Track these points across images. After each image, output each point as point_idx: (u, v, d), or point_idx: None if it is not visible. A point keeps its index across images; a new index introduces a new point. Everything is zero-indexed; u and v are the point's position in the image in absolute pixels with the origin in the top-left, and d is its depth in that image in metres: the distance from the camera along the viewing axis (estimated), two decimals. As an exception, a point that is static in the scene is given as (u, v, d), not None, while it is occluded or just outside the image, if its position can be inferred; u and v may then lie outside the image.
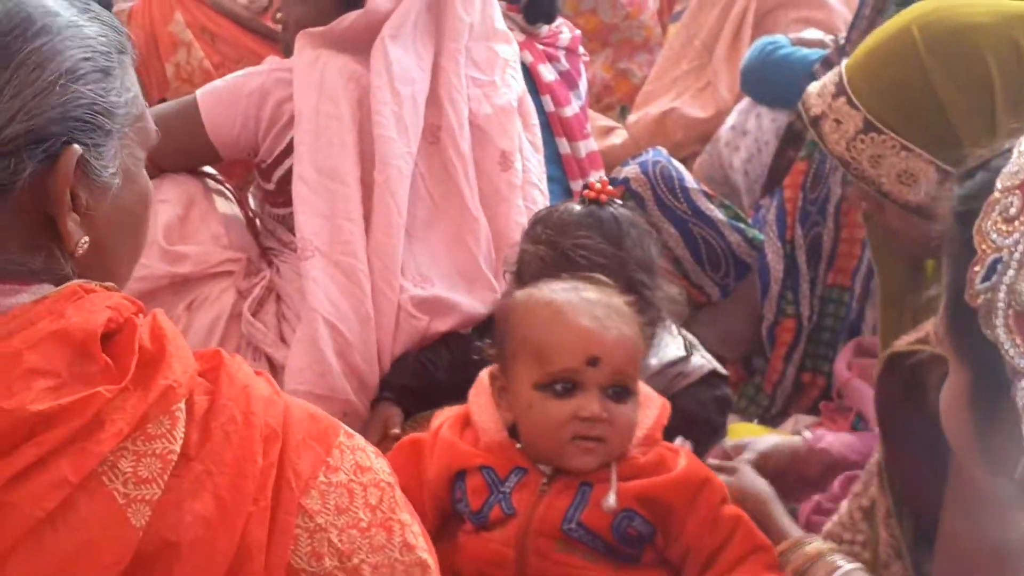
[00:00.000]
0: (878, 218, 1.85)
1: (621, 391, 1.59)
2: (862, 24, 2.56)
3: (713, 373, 2.01)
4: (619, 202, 2.01)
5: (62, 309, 0.92)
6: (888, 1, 2.49)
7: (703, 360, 2.00)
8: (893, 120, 1.71)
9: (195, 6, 2.88)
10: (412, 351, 2.15)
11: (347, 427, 1.07)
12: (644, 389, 1.67)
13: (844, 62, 1.84)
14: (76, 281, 0.96)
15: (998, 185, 1.16)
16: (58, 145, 0.95)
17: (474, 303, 2.19)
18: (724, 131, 3.16)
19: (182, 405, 0.94)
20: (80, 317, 0.92)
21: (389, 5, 2.20)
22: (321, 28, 2.18)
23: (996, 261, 1.14)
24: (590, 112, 3.72)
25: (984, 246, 1.15)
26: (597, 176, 2.84)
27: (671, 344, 2.01)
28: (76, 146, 0.96)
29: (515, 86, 2.38)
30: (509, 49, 2.40)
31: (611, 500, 1.54)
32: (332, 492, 0.99)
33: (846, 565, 1.52)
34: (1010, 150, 1.17)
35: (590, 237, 1.91)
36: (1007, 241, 1.13)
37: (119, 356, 0.93)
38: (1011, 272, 1.13)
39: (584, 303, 1.60)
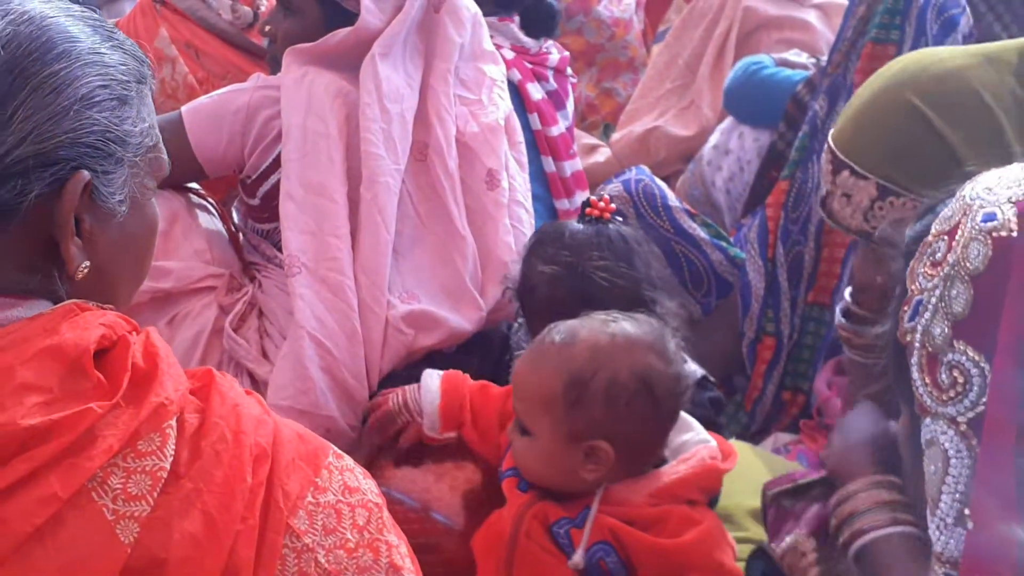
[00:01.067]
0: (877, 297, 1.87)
1: (522, 427, 1.63)
2: (844, 46, 2.59)
3: (704, 378, 2.02)
4: (620, 219, 2.02)
5: (56, 326, 0.92)
6: (869, 24, 2.52)
7: (694, 366, 2.00)
8: (908, 179, 1.71)
9: (180, 22, 2.88)
10: (399, 369, 2.14)
11: (336, 448, 1.07)
12: (693, 445, 1.65)
13: (830, 138, 1.84)
14: (72, 300, 0.97)
15: (933, 229, 1.20)
16: (67, 170, 0.95)
17: (460, 320, 2.19)
18: (706, 150, 3.18)
19: (173, 423, 0.94)
20: (73, 334, 0.92)
21: (379, 23, 2.20)
22: (309, 44, 2.18)
23: (919, 303, 1.17)
24: (575, 131, 3.75)
25: (913, 287, 1.19)
26: (583, 196, 2.86)
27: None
28: (85, 172, 0.96)
29: (502, 105, 2.38)
30: (496, 69, 2.41)
31: (577, 558, 1.55)
32: (320, 512, 1.00)
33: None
34: (953, 193, 1.21)
35: (606, 258, 1.92)
36: (929, 284, 1.17)
37: (111, 373, 0.93)
38: (927, 315, 1.16)
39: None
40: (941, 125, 1.69)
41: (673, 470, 1.61)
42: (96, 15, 1.01)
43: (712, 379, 2.07)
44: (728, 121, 3.22)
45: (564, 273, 1.93)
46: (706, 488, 1.61)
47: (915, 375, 1.17)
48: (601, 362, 1.58)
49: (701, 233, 2.64)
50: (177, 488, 0.92)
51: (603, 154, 3.76)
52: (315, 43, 2.17)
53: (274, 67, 2.30)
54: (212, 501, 0.93)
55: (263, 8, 2.86)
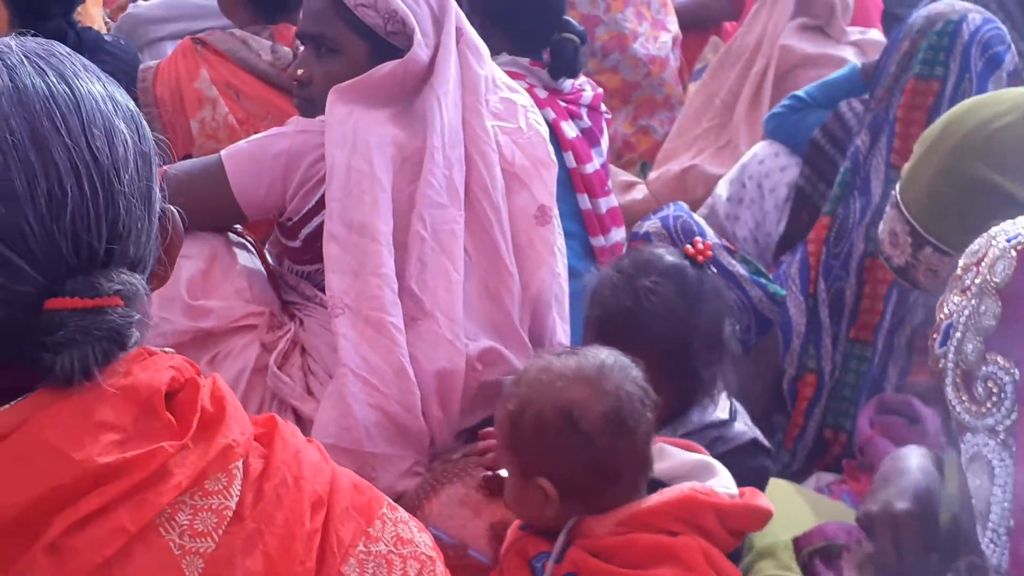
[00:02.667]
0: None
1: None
2: (887, 81, 2.58)
3: (754, 442, 1.96)
4: (714, 270, 1.99)
5: (129, 368, 0.95)
6: (913, 59, 2.51)
7: (745, 427, 1.96)
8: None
9: (220, 63, 2.91)
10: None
11: (390, 500, 1.09)
12: (674, 474, 1.64)
13: (904, 208, 1.84)
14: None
15: (960, 263, 1.20)
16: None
17: (515, 359, 2.18)
18: (720, 205, 3.17)
19: (240, 464, 0.97)
20: (146, 375, 0.95)
21: (426, 57, 2.19)
22: (354, 80, 2.15)
23: (948, 326, 1.17)
24: (612, 168, 3.75)
25: (942, 315, 1.19)
26: (618, 232, 2.86)
27: (717, 406, 1.98)
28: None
29: (543, 131, 2.35)
30: (522, 97, 2.39)
31: None
32: (370, 561, 1.01)
33: None
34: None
35: (664, 288, 1.90)
36: (957, 307, 1.17)
37: (181, 414, 0.96)
38: (958, 334, 1.16)
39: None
40: (1007, 183, 1.69)
41: (647, 500, 1.58)
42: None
43: (766, 444, 2.00)
44: (735, 171, 3.21)
45: (621, 283, 1.93)
46: (688, 519, 1.56)
47: (951, 397, 1.16)
48: (530, 398, 1.60)
49: (740, 270, 2.63)
50: (241, 528, 0.94)
51: (640, 191, 3.76)
52: (360, 77, 2.15)
53: (305, 110, 2.28)
54: (273, 543, 0.95)
55: (302, 49, 2.88)
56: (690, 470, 1.65)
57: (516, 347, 2.21)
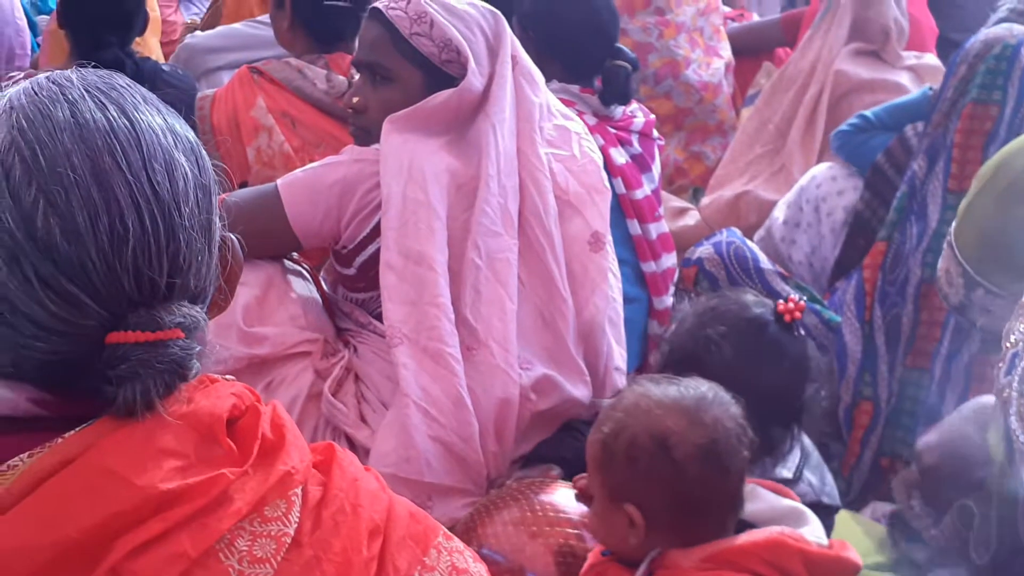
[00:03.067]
0: None
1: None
2: (944, 106, 2.56)
3: (816, 504, 1.89)
4: (803, 333, 1.92)
5: (191, 395, 0.96)
6: (971, 84, 2.49)
7: (808, 488, 1.93)
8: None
9: (277, 91, 2.94)
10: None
11: (446, 530, 1.09)
12: (764, 517, 1.61)
13: (956, 249, 1.83)
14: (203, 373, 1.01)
15: None
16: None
17: (570, 387, 2.19)
18: (776, 228, 3.15)
19: (299, 491, 0.98)
20: (208, 402, 0.97)
21: (480, 85, 2.20)
22: (409, 109, 2.16)
23: (1014, 355, 1.15)
24: (664, 194, 3.74)
25: (1007, 343, 1.17)
26: (669, 258, 2.85)
27: (785, 462, 1.94)
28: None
29: (597, 158, 2.35)
30: (576, 124, 2.40)
31: None
32: None
33: None
34: None
35: (728, 339, 1.86)
36: (1022, 336, 1.14)
37: (242, 441, 0.97)
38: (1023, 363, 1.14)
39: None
40: None
41: (735, 538, 1.55)
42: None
43: (831, 504, 1.96)
44: (793, 194, 3.19)
45: (692, 326, 1.92)
46: (775, 563, 1.52)
47: (1014, 427, 1.14)
48: (626, 423, 1.58)
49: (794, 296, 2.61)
50: (299, 555, 0.95)
51: (693, 217, 3.74)
52: (415, 107, 2.17)
53: (361, 138, 2.29)
54: (331, 570, 0.95)
55: (358, 77, 2.91)
56: (781, 515, 1.62)
57: (571, 374, 2.21)
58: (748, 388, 1.73)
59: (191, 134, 1.02)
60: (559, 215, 2.24)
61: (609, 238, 2.31)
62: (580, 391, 2.22)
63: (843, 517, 2.14)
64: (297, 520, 0.96)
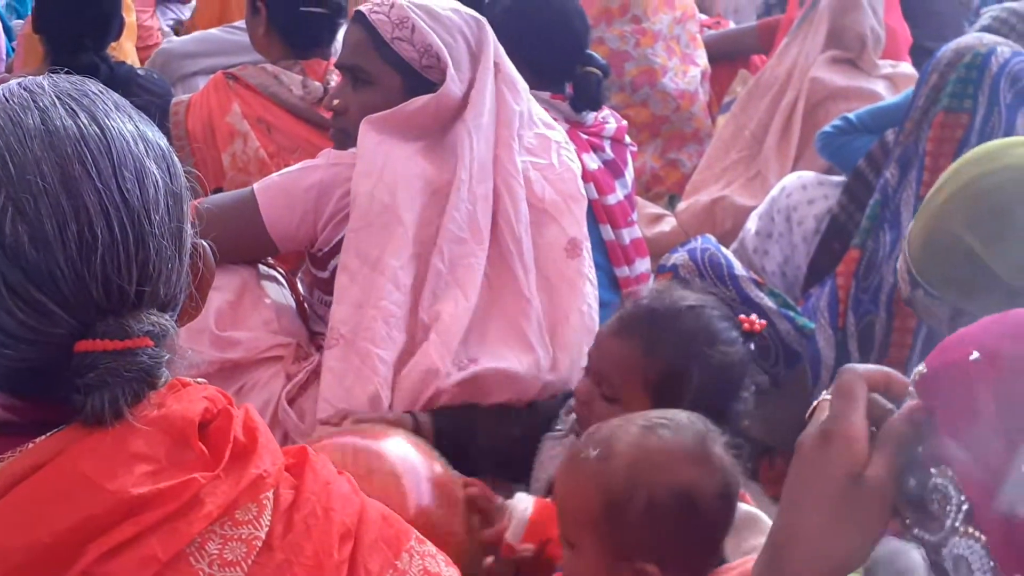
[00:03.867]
0: None
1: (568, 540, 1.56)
2: (916, 115, 2.58)
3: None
4: (752, 347, 1.91)
5: (162, 399, 0.96)
6: (942, 93, 2.51)
7: None
8: (975, 307, 1.69)
9: (252, 97, 2.93)
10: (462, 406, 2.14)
11: (419, 534, 1.09)
12: None
13: (907, 246, 1.85)
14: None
15: None
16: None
17: (520, 366, 2.15)
18: (748, 239, 3.16)
19: (270, 495, 0.97)
20: (180, 407, 0.96)
21: (460, 92, 2.21)
22: (387, 112, 2.17)
23: None
24: (639, 200, 3.75)
25: None
26: (643, 263, 2.85)
27: None
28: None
29: (574, 167, 2.36)
30: (557, 133, 2.41)
31: None
32: None
33: None
34: None
35: (699, 313, 1.86)
36: None
37: (214, 444, 0.97)
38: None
39: None
40: (984, 252, 1.70)
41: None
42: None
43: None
44: (764, 205, 3.20)
45: (664, 288, 1.95)
46: None
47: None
48: (639, 481, 1.47)
49: (768, 302, 2.62)
50: (270, 558, 0.94)
51: (669, 223, 3.75)
52: (393, 110, 2.17)
53: (340, 140, 2.30)
54: (302, 573, 0.95)
55: (332, 83, 2.91)
56: (737, 526, 1.56)
57: (530, 361, 2.17)
58: (694, 355, 1.80)
59: (163, 141, 1.02)
60: (536, 223, 2.25)
61: (587, 244, 2.31)
62: (528, 372, 2.16)
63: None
64: (268, 523, 0.96)
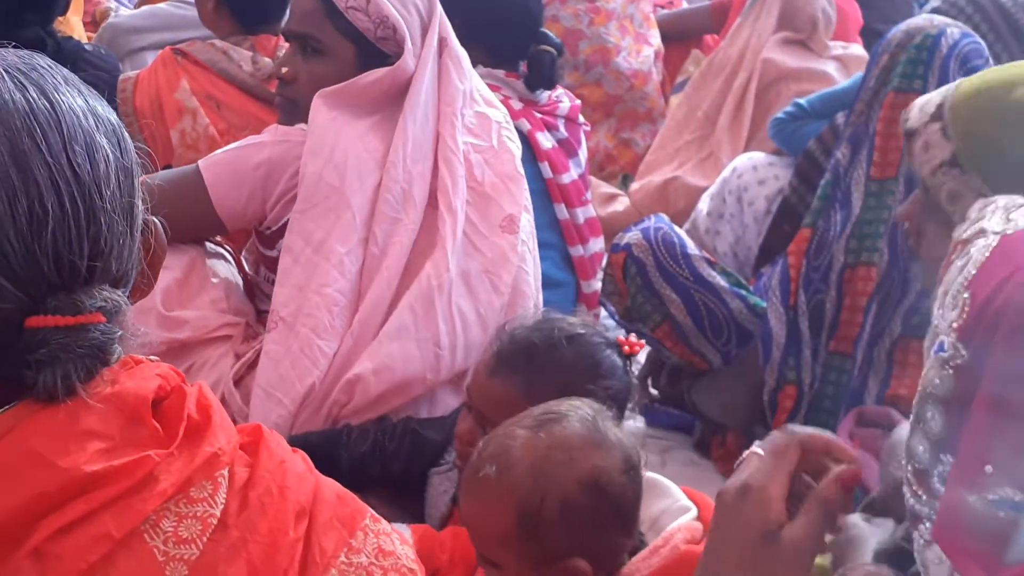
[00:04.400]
0: (913, 239, 1.82)
1: (488, 560, 1.53)
2: (866, 95, 2.59)
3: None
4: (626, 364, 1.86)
5: (115, 377, 0.95)
6: (892, 73, 2.52)
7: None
8: (978, 164, 1.63)
9: (201, 73, 2.89)
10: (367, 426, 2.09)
11: (373, 512, 1.09)
12: (670, 518, 1.56)
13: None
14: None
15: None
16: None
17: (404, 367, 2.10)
18: (700, 220, 3.17)
19: (225, 473, 0.97)
20: (133, 384, 0.95)
21: (414, 65, 2.17)
22: (340, 86, 2.13)
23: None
24: (593, 180, 3.76)
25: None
26: (597, 242, 2.86)
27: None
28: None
29: (514, 148, 2.34)
30: (498, 112, 2.37)
31: None
32: (352, 572, 1.01)
33: None
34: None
35: (574, 343, 1.81)
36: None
37: (168, 422, 0.96)
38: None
39: None
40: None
41: (645, 563, 1.50)
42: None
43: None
44: (716, 185, 3.22)
45: (538, 321, 1.86)
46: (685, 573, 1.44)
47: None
48: (545, 483, 1.44)
49: (721, 281, 2.63)
50: (225, 536, 0.94)
51: (622, 203, 3.77)
52: (346, 83, 2.14)
53: (287, 111, 2.25)
54: (257, 552, 0.95)
55: (287, 47, 2.87)
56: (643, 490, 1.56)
57: (424, 342, 2.12)
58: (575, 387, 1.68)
59: (113, 116, 1.00)
60: (475, 204, 2.22)
61: (524, 220, 2.27)
62: (417, 368, 2.12)
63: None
64: (223, 501, 0.95)
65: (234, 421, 2.01)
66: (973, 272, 1.22)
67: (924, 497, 1.20)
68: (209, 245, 2.29)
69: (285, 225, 2.16)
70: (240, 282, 2.32)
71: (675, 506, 1.59)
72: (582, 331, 1.82)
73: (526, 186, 2.34)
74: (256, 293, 2.33)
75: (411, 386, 2.11)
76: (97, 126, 0.96)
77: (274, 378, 2.03)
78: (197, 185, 2.15)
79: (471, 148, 2.25)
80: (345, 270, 2.08)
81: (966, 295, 1.21)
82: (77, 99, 0.96)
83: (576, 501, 1.44)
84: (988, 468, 1.08)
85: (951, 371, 1.19)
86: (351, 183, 2.09)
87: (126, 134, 1.01)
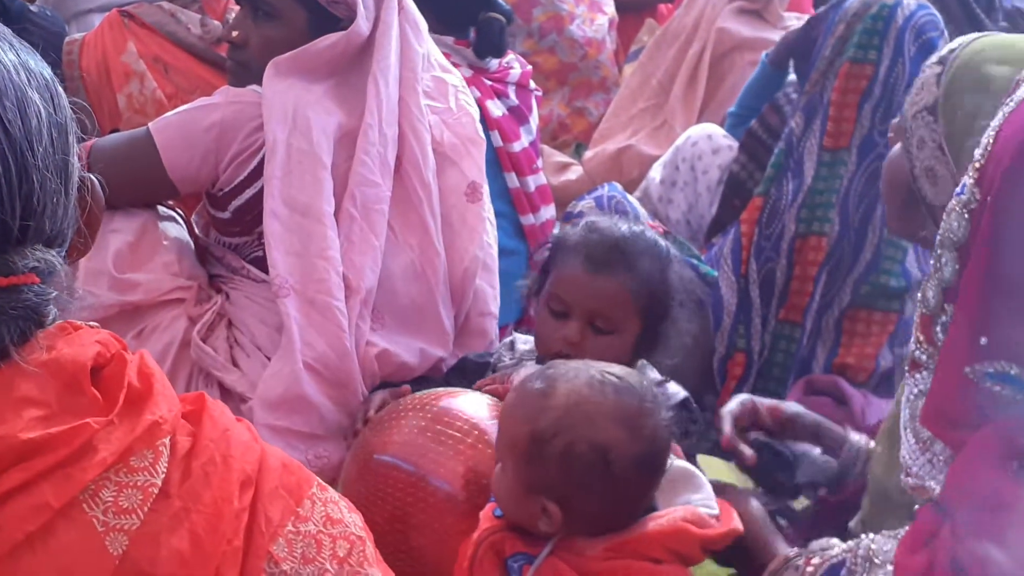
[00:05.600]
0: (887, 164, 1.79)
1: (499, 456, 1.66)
2: (822, 64, 2.60)
3: (685, 402, 1.98)
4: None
5: (53, 343, 0.93)
6: (848, 44, 2.53)
7: (678, 388, 1.99)
8: (948, 117, 1.59)
9: (148, 36, 2.85)
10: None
11: (321, 480, 1.08)
12: (677, 503, 1.62)
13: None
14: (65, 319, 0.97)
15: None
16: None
17: (427, 348, 2.19)
18: (653, 187, 3.17)
19: (167, 441, 0.95)
20: (71, 350, 0.93)
21: (368, 30, 2.16)
22: (293, 53, 2.11)
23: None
24: (547, 148, 3.74)
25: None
26: (548, 210, 2.85)
27: (649, 369, 1.99)
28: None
29: (472, 111, 2.35)
30: (454, 77, 2.37)
31: None
32: (299, 541, 1.00)
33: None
34: None
35: (647, 232, 1.98)
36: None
37: (107, 390, 0.94)
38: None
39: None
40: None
41: (641, 526, 1.56)
42: None
43: (693, 404, 2.01)
44: (669, 154, 3.22)
45: (601, 216, 2.00)
46: (674, 549, 1.55)
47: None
48: (564, 425, 1.53)
49: (673, 251, 2.63)
50: (167, 506, 0.92)
51: (575, 172, 3.76)
52: (301, 49, 2.12)
53: (238, 75, 2.22)
54: (200, 521, 0.93)
55: (238, 10, 2.84)
56: (673, 480, 1.63)
57: (435, 333, 2.21)
58: (667, 271, 1.94)
59: (47, 71, 0.97)
60: (436, 167, 2.23)
61: (485, 188, 2.30)
62: (437, 351, 2.22)
63: (719, 465, 2.18)
64: (165, 471, 0.93)
65: (212, 379, 2.05)
66: (1008, 110, 1.21)
67: (925, 345, 1.20)
68: (161, 208, 2.26)
69: (236, 188, 2.16)
70: (192, 245, 2.29)
71: (698, 499, 1.64)
72: (639, 221, 2.01)
73: (484, 151, 2.35)
74: (207, 257, 2.31)
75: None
76: (29, 81, 0.93)
77: (304, 346, 2.05)
78: (148, 148, 2.12)
79: (428, 110, 2.25)
80: (336, 228, 2.10)
81: (992, 133, 1.20)
82: (8, 54, 0.93)
83: (578, 456, 1.52)
84: (983, 340, 1.07)
85: (967, 216, 1.18)
86: (320, 143, 2.09)
87: (60, 90, 0.98)
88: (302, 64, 2.12)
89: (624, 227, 1.96)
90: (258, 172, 2.12)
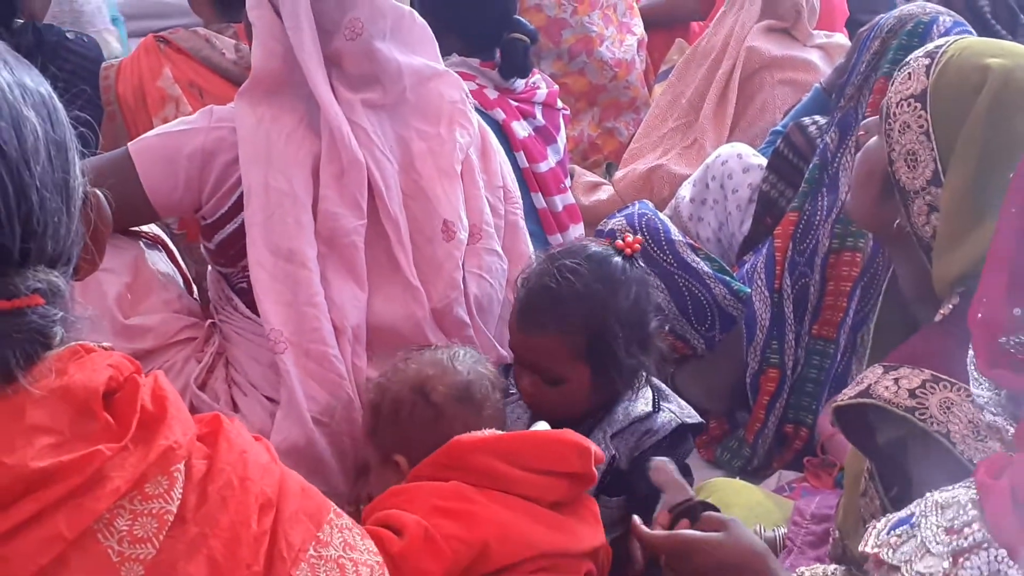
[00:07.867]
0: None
1: None
2: (857, 80, 2.58)
3: (679, 428, 1.97)
4: (642, 265, 2.01)
5: (64, 367, 0.91)
6: (883, 59, 2.52)
7: (671, 415, 1.98)
8: (936, 109, 1.56)
9: (184, 61, 2.88)
10: None
11: (336, 507, 1.07)
12: None
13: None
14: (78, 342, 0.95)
15: None
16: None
17: None
18: (683, 206, 3.17)
19: (181, 466, 0.93)
20: (83, 375, 0.91)
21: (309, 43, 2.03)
22: (249, 79, 2.04)
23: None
24: (577, 169, 3.75)
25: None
26: (576, 230, 2.86)
27: (640, 398, 2.00)
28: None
29: (462, 138, 2.20)
30: (456, 92, 2.23)
31: None
32: (322, 566, 0.99)
33: None
34: None
35: (583, 267, 1.92)
36: None
37: (120, 415, 0.92)
38: None
39: None
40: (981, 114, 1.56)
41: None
42: None
43: (694, 422, 2.01)
44: (699, 172, 3.21)
45: (543, 264, 1.97)
46: (453, 465, 1.69)
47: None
48: (388, 385, 1.84)
49: (704, 267, 2.64)
50: (183, 532, 0.91)
51: (606, 192, 3.76)
52: (252, 73, 2.04)
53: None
54: (218, 547, 0.92)
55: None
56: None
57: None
58: (604, 312, 1.89)
59: (45, 87, 0.96)
60: (412, 199, 2.12)
61: (461, 225, 2.16)
62: None
63: (752, 491, 2.16)
64: (180, 496, 0.92)
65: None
66: None
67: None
68: (143, 241, 2.19)
69: (219, 221, 2.09)
70: (178, 273, 2.24)
71: None
72: (580, 253, 1.97)
73: (488, 182, 2.25)
74: (210, 284, 2.25)
75: None
76: (24, 99, 0.92)
77: (305, 399, 1.99)
78: (129, 172, 2.04)
79: (416, 134, 2.15)
80: (319, 271, 2.02)
81: None
82: (2, 72, 0.92)
83: (402, 401, 1.80)
84: (1017, 311, 1.04)
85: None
86: (298, 181, 2.01)
87: (58, 106, 0.96)
88: (261, 89, 2.05)
89: (555, 277, 1.92)
90: (238, 207, 2.04)
